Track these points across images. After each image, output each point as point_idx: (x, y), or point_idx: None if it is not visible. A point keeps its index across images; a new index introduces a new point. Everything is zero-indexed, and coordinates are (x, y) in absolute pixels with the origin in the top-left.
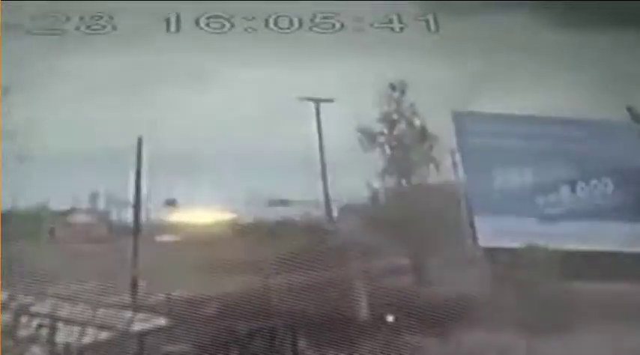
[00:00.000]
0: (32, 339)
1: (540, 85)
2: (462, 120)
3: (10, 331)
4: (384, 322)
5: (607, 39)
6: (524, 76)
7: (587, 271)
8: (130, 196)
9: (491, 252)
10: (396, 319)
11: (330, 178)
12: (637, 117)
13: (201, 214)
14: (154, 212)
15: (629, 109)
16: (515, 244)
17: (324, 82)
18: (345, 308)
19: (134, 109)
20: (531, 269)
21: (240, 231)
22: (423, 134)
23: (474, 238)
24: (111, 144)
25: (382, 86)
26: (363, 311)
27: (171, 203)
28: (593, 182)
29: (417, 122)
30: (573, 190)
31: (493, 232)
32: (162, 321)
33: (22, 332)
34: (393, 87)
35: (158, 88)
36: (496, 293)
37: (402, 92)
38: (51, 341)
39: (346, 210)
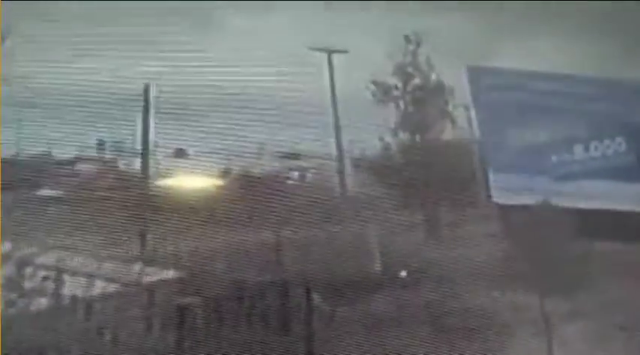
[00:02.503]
0: (38, 291)
1: (557, 43)
2: (476, 75)
3: (15, 283)
4: (397, 278)
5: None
6: (542, 32)
7: (600, 229)
8: (138, 145)
9: (505, 209)
10: (408, 275)
11: (342, 132)
12: None
13: (210, 165)
14: (162, 162)
15: None
16: (528, 201)
17: (337, 33)
18: (358, 263)
19: (141, 56)
20: (545, 226)
21: (250, 183)
22: (439, 88)
23: (488, 195)
24: (117, 92)
25: (397, 38)
26: (376, 267)
27: (180, 153)
28: (607, 141)
29: (433, 76)
30: (587, 149)
31: (507, 189)
32: (171, 274)
33: (27, 284)
34: (408, 39)
35: (165, 36)
36: (510, 250)
37: (418, 44)
38: (57, 293)
39: (359, 164)
